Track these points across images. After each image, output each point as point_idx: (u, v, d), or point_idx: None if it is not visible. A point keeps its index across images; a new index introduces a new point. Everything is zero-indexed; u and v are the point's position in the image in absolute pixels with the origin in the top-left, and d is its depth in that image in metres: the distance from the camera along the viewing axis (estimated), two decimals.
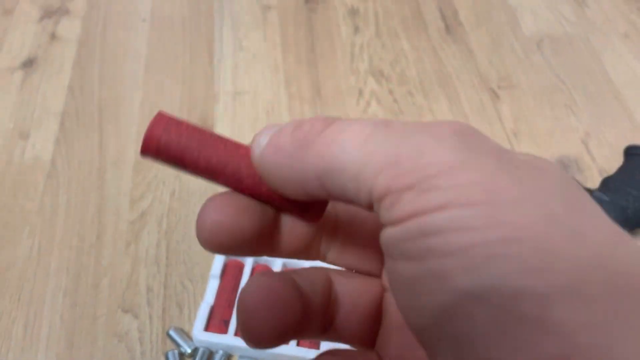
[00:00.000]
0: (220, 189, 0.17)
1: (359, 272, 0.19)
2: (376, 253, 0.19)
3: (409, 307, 0.14)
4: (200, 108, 0.65)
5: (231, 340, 0.45)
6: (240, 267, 0.50)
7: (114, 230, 0.54)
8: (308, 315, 0.17)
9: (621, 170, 0.57)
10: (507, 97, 0.67)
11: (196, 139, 0.16)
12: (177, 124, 0.16)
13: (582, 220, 0.13)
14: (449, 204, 0.13)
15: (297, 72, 0.69)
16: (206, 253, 0.52)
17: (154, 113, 0.65)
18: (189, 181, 0.58)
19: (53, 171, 0.59)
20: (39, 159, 0.60)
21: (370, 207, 0.14)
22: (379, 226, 0.14)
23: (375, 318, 0.18)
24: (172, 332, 0.47)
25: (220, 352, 0.46)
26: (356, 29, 0.74)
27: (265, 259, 0.50)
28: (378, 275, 0.19)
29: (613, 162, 0.59)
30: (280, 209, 0.17)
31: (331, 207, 0.19)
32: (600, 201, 0.53)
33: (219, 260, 0.50)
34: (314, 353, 0.45)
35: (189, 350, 0.46)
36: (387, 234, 0.14)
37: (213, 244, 0.16)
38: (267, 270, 0.18)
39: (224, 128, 0.63)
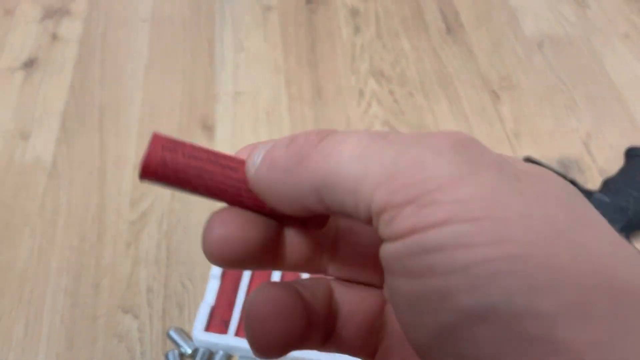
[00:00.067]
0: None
1: (361, 283, 0.19)
2: (377, 264, 0.19)
3: (410, 324, 0.14)
4: (200, 108, 0.65)
5: (231, 340, 0.45)
6: None
7: (114, 231, 0.54)
8: (311, 326, 0.17)
9: (622, 171, 0.57)
10: (508, 97, 0.67)
11: (194, 161, 0.16)
12: (173, 147, 0.16)
13: (585, 233, 0.13)
14: (449, 220, 0.12)
15: (297, 72, 0.69)
16: None
17: (155, 113, 0.65)
18: None
19: (54, 171, 0.59)
20: (40, 159, 0.60)
21: (369, 221, 0.14)
22: (380, 238, 0.14)
23: (376, 329, 0.18)
24: (172, 333, 0.47)
25: (221, 352, 0.46)
26: (357, 30, 0.74)
27: None
28: (379, 286, 0.19)
29: (614, 163, 0.59)
30: (283, 221, 0.17)
31: (332, 219, 0.19)
32: (600, 202, 0.53)
33: None
34: (314, 354, 0.45)
35: (189, 351, 0.46)
36: (387, 250, 0.14)
37: (220, 259, 0.16)
38: (272, 281, 0.18)
39: (224, 128, 0.63)
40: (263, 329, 0.16)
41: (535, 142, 0.62)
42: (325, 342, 0.18)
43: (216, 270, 0.49)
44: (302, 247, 0.18)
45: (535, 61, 0.71)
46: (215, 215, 0.16)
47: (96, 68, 0.69)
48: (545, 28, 0.75)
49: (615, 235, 0.13)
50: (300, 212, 0.15)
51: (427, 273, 0.12)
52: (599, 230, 0.13)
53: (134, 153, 0.60)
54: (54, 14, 0.76)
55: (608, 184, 0.55)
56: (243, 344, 0.45)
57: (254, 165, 0.16)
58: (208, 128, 0.63)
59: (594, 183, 0.58)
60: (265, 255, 0.17)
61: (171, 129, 0.63)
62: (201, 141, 0.62)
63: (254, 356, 0.46)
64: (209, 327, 0.47)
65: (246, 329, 0.17)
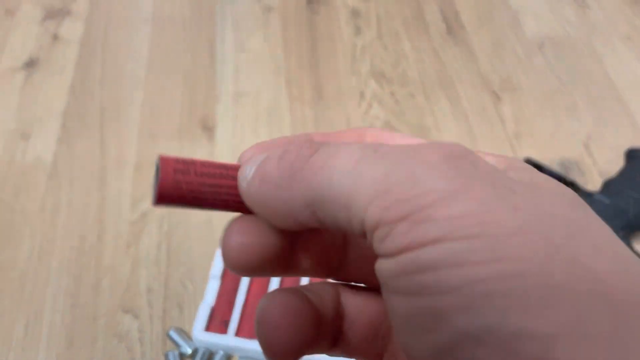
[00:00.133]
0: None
1: (368, 287, 0.19)
2: None
3: (407, 342, 0.13)
4: (201, 109, 0.65)
5: (231, 340, 0.45)
6: None
7: (114, 231, 0.54)
8: (320, 331, 0.17)
9: (622, 173, 0.57)
10: (509, 99, 0.67)
11: (208, 179, 0.16)
12: (184, 168, 0.16)
13: (583, 247, 0.12)
14: (443, 238, 0.12)
15: (298, 73, 0.69)
16: (207, 254, 0.52)
17: (155, 113, 0.65)
18: None
19: (54, 172, 0.59)
20: (41, 159, 0.60)
21: (363, 235, 0.14)
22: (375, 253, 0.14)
23: (383, 333, 0.18)
24: (172, 333, 0.47)
25: (221, 352, 0.46)
26: (357, 31, 0.74)
27: None
28: None
29: (614, 164, 0.59)
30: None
31: None
32: (600, 204, 0.53)
33: (219, 261, 0.50)
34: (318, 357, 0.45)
35: (189, 351, 0.46)
36: (381, 266, 0.13)
37: (239, 266, 0.16)
38: (282, 287, 0.18)
39: (224, 129, 0.63)
40: (276, 336, 0.16)
41: (535, 143, 0.62)
42: (333, 347, 0.18)
43: (216, 271, 0.49)
44: (314, 252, 0.18)
45: (536, 62, 0.71)
46: (233, 224, 0.17)
47: (97, 68, 0.69)
48: (546, 29, 0.75)
49: (616, 246, 0.13)
50: (293, 226, 0.15)
51: (421, 291, 0.12)
52: (598, 243, 0.13)
53: (135, 153, 0.61)
54: (55, 14, 0.76)
55: (608, 185, 0.55)
56: (243, 344, 0.45)
57: (246, 179, 0.16)
58: (208, 128, 0.63)
59: (594, 184, 0.58)
60: (281, 261, 0.17)
61: (172, 130, 0.63)
62: (201, 142, 0.62)
63: (253, 356, 0.46)
64: (209, 328, 0.47)
65: (259, 335, 0.17)
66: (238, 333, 0.46)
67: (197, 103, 0.66)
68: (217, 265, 0.50)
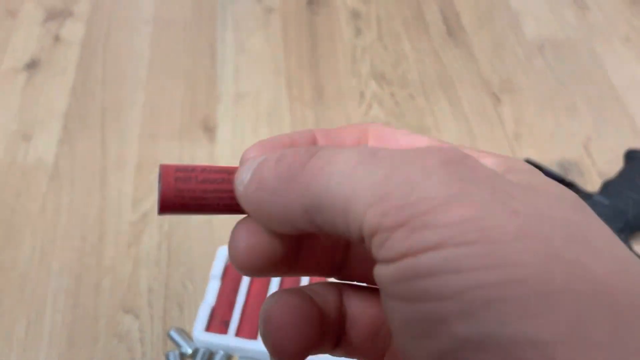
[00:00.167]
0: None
1: (371, 286, 0.19)
2: None
3: (405, 347, 0.13)
4: (202, 109, 0.65)
5: (231, 340, 0.46)
6: None
7: (115, 231, 0.54)
8: (324, 331, 0.17)
9: (621, 174, 0.57)
10: (509, 100, 0.67)
11: (210, 184, 0.16)
12: (185, 176, 0.16)
13: (584, 251, 0.12)
14: (442, 244, 0.12)
15: (298, 74, 0.70)
16: (207, 254, 0.52)
17: (156, 114, 0.65)
18: None
19: (55, 172, 0.59)
20: (42, 160, 0.60)
21: (361, 241, 0.14)
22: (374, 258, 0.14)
23: (385, 333, 0.18)
24: (172, 333, 0.47)
25: (221, 352, 0.46)
26: (358, 32, 0.75)
27: None
28: None
29: (613, 165, 0.60)
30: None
31: None
32: (600, 205, 0.53)
33: (219, 261, 0.50)
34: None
35: (189, 351, 0.46)
36: (380, 272, 0.13)
37: (248, 267, 0.16)
38: (287, 288, 0.18)
39: (225, 129, 0.63)
40: (282, 337, 0.16)
41: (535, 144, 0.62)
42: (336, 347, 0.18)
43: (216, 271, 0.49)
44: (318, 252, 0.18)
45: (535, 64, 0.71)
46: (240, 225, 0.17)
47: (98, 69, 0.70)
48: (546, 31, 0.75)
49: (617, 248, 0.13)
50: (291, 231, 0.15)
51: (420, 298, 0.12)
52: (599, 245, 0.13)
53: (136, 154, 0.61)
54: (57, 15, 0.76)
55: (607, 186, 0.55)
56: (243, 344, 0.45)
57: (242, 183, 0.16)
58: (209, 129, 0.63)
59: (593, 185, 0.58)
60: (286, 261, 0.17)
61: (172, 130, 0.63)
62: (202, 142, 0.62)
63: (253, 356, 0.46)
64: (209, 328, 0.47)
65: (264, 336, 0.17)
66: (238, 333, 0.46)
67: (198, 104, 0.66)
68: (218, 265, 0.50)
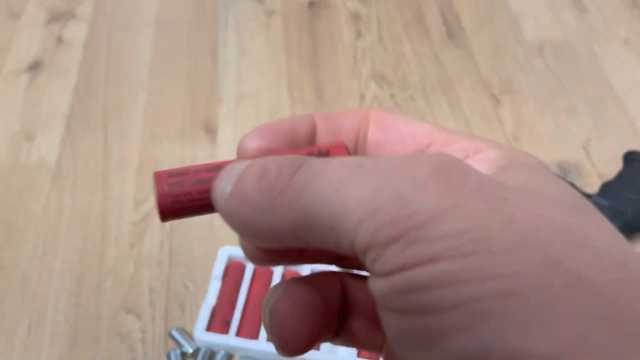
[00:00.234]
0: None
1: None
2: None
3: (402, 356, 0.13)
4: (203, 111, 0.66)
5: (232, 340, 0.46)
6: (241, 269, 0.51)
7: (117, 232, 0.55)
8: (327, 320, 0.17)
9: (620, 175, 0.57)
10: (508, 102, 0.67)
11: (205, 185, 0.16)
12: (179, 181, 0.16)
13: (583, 257, 0.12)
14: (437, 257, 0.12)
15: (299, 76, 0.70)
16: (208, 254, 0.53)
17: (158, 115, 0.66)
18: None
19: (58, 173, 0.60)
20: (45, 160, 0.61)
21: (355, 256, 0.13)
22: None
23: None
24: (174, 332, 0.47)
25: (222, 352, 0.46)
26: (358, 34, 0.75)
27: None
28: None
29: (613, 167, 0.60)
30: None
31: None
32: (599, 206, 0.53)
33: (220, 262, 0.50)
34: (314, 354, 0.45)
35: (190, 350, 0.46)
36: (374, 285, 0.13)
37: (258, 259, 0.17)
38: (290, 280, 0.18)
39: (226, 131, 0.64)
40: (288, 330, 0.17)
41: (535, 146, 0.63)
42: (337, 336, 0.18)
43: (217, 272, 0.50)
44: None
45: (535, 65, 0.71)
46: None
47: (101, 71, 0.70)
48: (545, 33, 0.75)
49: (618, 251, 0.12)
50: (278, 247, 0.15)
51: (416, 311, 0.12)
52: (599, 249, 0.12)
53: (138, 155, 0.61)
54: (59, 17, 0.77)
55: (606, 188, 0.56)
56: (243, 343, 0.46)
57: (223, 197, 0.15)
58: (211, 130, 0.64)
59: (592, 187, 0.59)
60: (293, 252, 0.17)
61: (174, 131, 0.64)
62: (204, 143, 0.62)
63: (254, 356, 0.46)
64: (210, 327, 0.47)
65: (269, 329, 0.17)
66: (239, 333, 0.47)
67: (200, 105, 0.67)
68: (219, 266, 0.50)
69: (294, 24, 0.76)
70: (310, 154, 0.17)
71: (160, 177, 0.16)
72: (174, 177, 0.16)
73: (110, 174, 0.59)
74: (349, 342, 0.19)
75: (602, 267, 0.12)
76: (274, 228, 0.14)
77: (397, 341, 0.13)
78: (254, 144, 0.17)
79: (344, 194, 0.13)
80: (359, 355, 0.46)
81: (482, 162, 0.16)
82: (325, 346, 0.45)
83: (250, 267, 0.50)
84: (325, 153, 0.17)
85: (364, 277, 0.19)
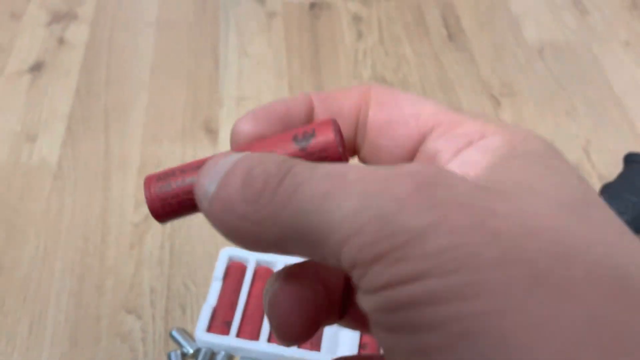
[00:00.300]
0: None
1: None
2: None
3: None
4: (204, 112, 0.66)
5: (233, 341, 0.46)
6: (242, 270, 0.51)
7: (118, 232, 0.55)
8: (330, 303, 0.17)
9: (621, 177, 0.57)
10: (509, 103, 0.67)
11: (188, 186, 0.16)
12: (165, 183, 0.16)
13: (574, 271, 0.11)
14: (421, 275, 0.12)
15: (300, 77, 0.70)
16: (209, 255, 0.53)
17: (159, 116, 0.66)
18: None
19: (59, 173, 0.60)
20: (46, 161, 0.61)
21: (343, 269, 0.13)
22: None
23: None
24: (174, 333, 0.47)
25: (222, 352, 0.46)
26: (359, 35, 0.75)
27: (266, 261, 0.51)
28: None
29: (613, 169, 0.60)
30: None
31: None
32: None
33: (221, 263, 0.50)
34: (314, 355, 0.45)
35: (191, 351, 0.46)
36: (362, 300, 0.13)
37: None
38: (291, 266, 0.18)
39: (227, 132, 0.64)
40: (288, 320, 0.17)
41: None
42: (341, 318, 0.18)
43: (218, 272, 0.50)
44: None
45: (536, 67, 0.71)
46: None
47: (102, 72, 0.70)
48: (546, 34, 0.75)
49: (621, 257, 0.12)
50: (264, 252, 0.15)
51: (401, 329, 0.12)
52: (594, 259, 0.12)
53: (139, 156, 0.61)
54: (61, 18, 0.77)
55: (607, 189, 0.56)
56: (244, 344, 0.46)
57: (207, 198, 0.15)
58: (212, 131, 0.64)
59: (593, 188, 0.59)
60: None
61: (175, 132, 0.64)
62: (205, 144, 0.63)
63: (255, 357, 0.46)
64: (210, 328, 0.47)
65: (270, 319, 0.17)
66: (239, 334, 0.47)
67: (201, 106, 0.67)
68: (220, 266, 0.50)
69: (295, 25, 0.76)
70: (295, 138, 0.16)
71: (148, 182, 0.16)
72: (162, 180, 0.16)
73: (111, 175, 0.59)
74: (353, 324, 0.19)
75: (594, 281, 0.11)
76: (259, 238, 0.14)
77: (387, 354, 0.13)
78: (247, 127, 0.17)
79: (327, 211, 0.13)
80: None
81: (484, 151, 0.15)
82: (326, 346, 0.45)
83: (251, 268, 0.50)
84: (310, 134, 0.16)
85: None
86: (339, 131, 0.16)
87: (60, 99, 0.67)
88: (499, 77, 0.70)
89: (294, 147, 0.16)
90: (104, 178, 0.59)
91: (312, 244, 0.13)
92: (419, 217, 0.12)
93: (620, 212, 0.52)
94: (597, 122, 0.65)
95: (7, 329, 0.49)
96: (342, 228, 0.12)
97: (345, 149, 0.17)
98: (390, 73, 0.70)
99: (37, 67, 0.71)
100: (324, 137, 0.16)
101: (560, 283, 0.11)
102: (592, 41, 0.74)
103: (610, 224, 0.13)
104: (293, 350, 0.45)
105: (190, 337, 0.47)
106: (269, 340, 0.46)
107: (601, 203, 0.14)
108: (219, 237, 0.54)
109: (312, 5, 0.79)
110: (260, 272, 0.51)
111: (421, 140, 0.17)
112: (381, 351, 0.19)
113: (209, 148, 0.62)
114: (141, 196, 0.58)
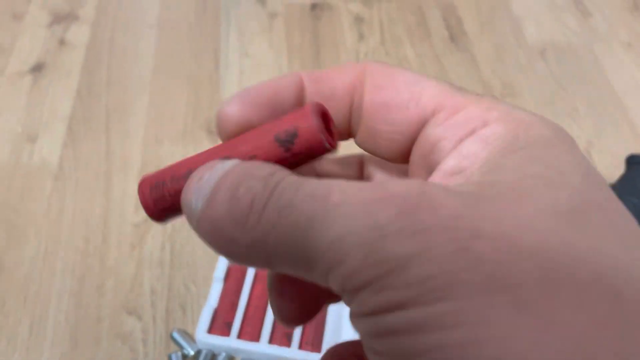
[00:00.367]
0: None
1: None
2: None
3: None
4: (205, 113, 0.66)
5: (234, 342, 0.46)
6: (243, 271, 0.51)
7: (119, 233, 0.55)
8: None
9: (622, 179, 0.57)
10: (510, 104, 0.67)
11: (184, 181, 0.16)
12: (158, 181, 0.16)
13: (562, 294, 0.11)
14: (403, 304, 0.11)
15: None
16: (210, 256, 0.53)
17: (160, 117, 0.66)
18: None
19: (60, 174, 0.60)
20: (47, 162, 0.61)
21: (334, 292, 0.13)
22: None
23: None
24: (175, 334, 0.47)
25: (223, 354, 0.46)
26: (361, 37, 0.75)
27: None
28: None
29: (614, 170, 0.60)
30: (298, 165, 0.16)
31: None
32: None
33: (222, 263, 0.50)
34: (315, 356, 0.45)
35: (192, 353, 0.46)
36: (353, 322, 0.13)
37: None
38: None
39: None
40: (287, 304, 0.17)
41: None
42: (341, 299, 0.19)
43: (219, 273, 0.50)
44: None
45: (537, 68, 0.71)
46: None
47: (103, 73, 0.70)
48: (547, 36, 0.75)
49: (622, 271, 0.11)
50: (252, 267, 0.15)
51: (389, 355, 0.12)
52: (587, 279, 0.11)
53: (140, 157, 0.61)
54: (62, 19, 0.77)
55: None
56: (245, 346, 0.46)
57: (194, 216, 0.14)
58: (213, 132, 0.64)
59: None
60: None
61: (176, 133, 0.64)
62: (206, 145, 0.63)
63: (255, 358, 0.46)
64: (211, 329, 0.47)
65: (271, 303, 0.17)
66: (240, 335, 0.47)
67: (202, 107, 0.67)
68: (220, 267, 0.50)
69: (296, 26, 0.76)
70: (278, 138, 0.15)
71: (142, 183, 0.17)
72: (154, 180, 0.16)
73: (112, 175, 0.59)
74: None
75: (584, 304, 0.11)
76: (249, 258, 0.14)
77: None
78: (233, 111, 0.16)
79: (311, 239, 0.12)
80: None
81: (485, 141, 0.15)
82: (327, 348, 0.45)
83: (252, 269, 0.50)
84: (293, 133, 0.15)
85: None
86: (324, 119, 0.15)
87: (61, 99, 0.67)
88: (500, 78, 0.70)
89: (277, 149, 0.15)
90: (104, 179, 0.59)
91: (301, 268, 0.13)
92: (401, 245, 0.12)
93: None
94: (598, 123, 0.65)
95: (7, 329, 0.49)
96: (327, 257, 0.12)
97: (334, 135, 0.16)
98: None
99: (38, 68, 0.71)
100: (308, 137, 0.15)
101: (545, 310, 0.11)
102: (593, 42, 0.74)
103: (611, 229, 0.12)
104: (294, 352, 0.45)
105: (191, 338, 0.47)
106: (270, 341, 0.46)
107: (604, 203, 0.13)
108: None
109: (314, 6, 0.79)
110: (262, 273, 0.51)
111: (421, 125, 0.16)
112: None
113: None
114: None
